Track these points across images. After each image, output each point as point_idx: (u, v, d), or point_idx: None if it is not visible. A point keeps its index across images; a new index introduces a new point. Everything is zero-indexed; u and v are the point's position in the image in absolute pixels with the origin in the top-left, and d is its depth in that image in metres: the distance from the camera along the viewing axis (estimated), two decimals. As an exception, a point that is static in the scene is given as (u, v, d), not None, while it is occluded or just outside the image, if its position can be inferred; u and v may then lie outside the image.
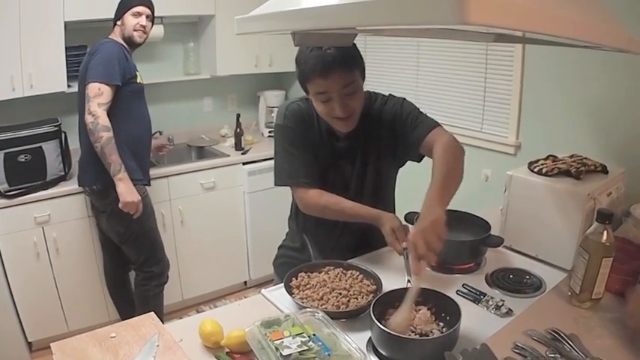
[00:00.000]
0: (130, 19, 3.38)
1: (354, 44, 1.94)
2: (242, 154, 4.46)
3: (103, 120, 3.10)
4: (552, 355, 1.46)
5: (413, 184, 2.33)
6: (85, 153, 3.35)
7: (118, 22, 3.41)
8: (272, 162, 2.33)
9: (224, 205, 4.38)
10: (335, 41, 1.80)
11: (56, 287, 3.75)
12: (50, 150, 3.62)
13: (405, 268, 1.87)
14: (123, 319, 1.84)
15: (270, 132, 5.00)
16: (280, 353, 1.36)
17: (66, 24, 3.70)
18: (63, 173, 3.73)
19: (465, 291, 1.91)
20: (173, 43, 4.66)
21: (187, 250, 4.25)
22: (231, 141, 4.71)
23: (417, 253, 1.48)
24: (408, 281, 1.81)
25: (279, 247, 2.51)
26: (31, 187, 3.53)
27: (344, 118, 2.01)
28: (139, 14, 3.40)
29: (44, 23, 3.60)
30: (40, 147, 3.57)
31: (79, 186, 3.52)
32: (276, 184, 2.23)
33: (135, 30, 3.39)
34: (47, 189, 3.60)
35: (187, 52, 4.77)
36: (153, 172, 3.82)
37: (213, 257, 4.45)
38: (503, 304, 1.79)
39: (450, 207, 1.81)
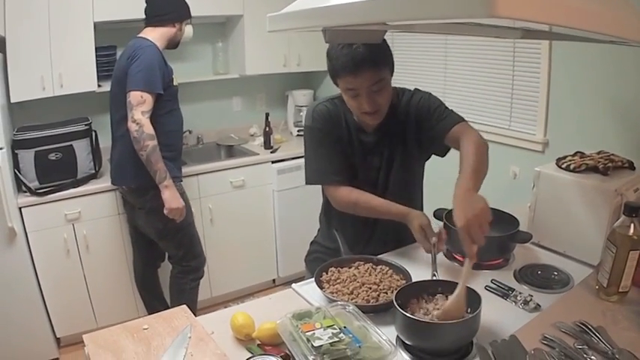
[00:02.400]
0: (187, 29, 3.60)
1: (385, 40, 1.97)
2: (271, 152, 4.49)
3: (148, 128, 3.14)
4: (580, 347, 1.46)
5: (439, 181, 2.35)
6: (122, 153, 3.37)
7: (172, 25, 3.46)
8: (301, 160, 2.38)
9: (253, 204, 4.41)
10: (365, 38, 1.82)
11: (86, 283, 3.81)
12: (81, 148, 3.69)
13: (432, 264, 1.90)
14: None
15: (298, 131, 5.03)
16: (312, 344, 1.37)
17: (95, 24, 3.76)
18: (93, 171, 3.79)
19: (494, 286, 1.91)
20: (202, 44, 4.69)
21: (216, 247, 4.29)
22: (260, 140, 4.75)
23: (472, 237, 1.52)
24: (434, 275, 1.85)
25: (311, 243, 2.54)
26: (62, 185, 3.60)
27: (372, 113, 2.06)
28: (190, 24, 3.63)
29: (74, 23, 3.67)
30: (71, 145, 3.64)
31: (113, 184, 3.57)
32: (308, 182, 2.28)
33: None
34: (78, 187, 3.66)
35: (216, 52, 4.80)
36: (183, 170, 3.84)
37: (241, 255, 4.49)
38: (531, 299, 1.80)
39: None
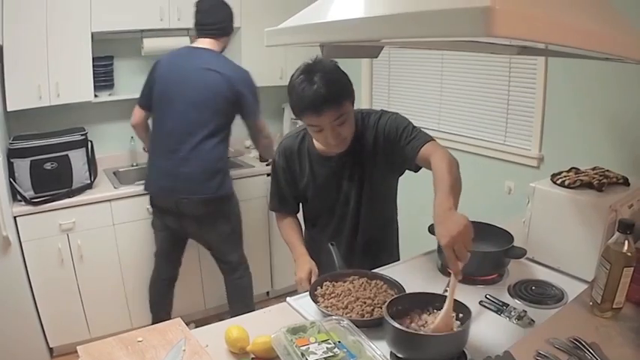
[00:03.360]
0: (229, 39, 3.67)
1: (344, 73, 2.11)
2: (267, 165, 4.47)
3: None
4: None
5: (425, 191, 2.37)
6: (206, 166, 3.44)
7: (226, 37, 3.59)
8: None
9: (248, 216, 4.31)
10: (362, 53, 1.85)
11: (79, 293, 3.79)
12: (77, 158, 3.68)
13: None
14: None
15: (295, 143, 4.98)
16: (306, 359, 1.38)
17: (93, 34, 3.76)
18: (89, 182, 3.78)
19: (488, 302, 1.92)
20: None
21: (210, 259, 4.18)
22: (256, 152, 4.72)
23: (456, 255, 1.53)
24: (446, 290, 1.85)
25: None
26: (57, 195, 3.58)
27: (336, 144, 2.18)
28: None
29: (71, 33, 3.67)
30: (67, 155, 3.63)
31: (180, 197, 3.48)
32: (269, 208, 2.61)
33: None
34: (73, 197, 3.65)
35: None
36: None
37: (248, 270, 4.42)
38: (525, 315, 1.82)
39: (472, 219, 1.85)
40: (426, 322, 1.64)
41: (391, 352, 1.59)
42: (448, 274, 2.14)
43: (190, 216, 3.55)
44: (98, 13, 3.74)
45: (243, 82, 3.47)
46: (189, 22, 3.71)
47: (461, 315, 1.61)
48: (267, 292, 4.82)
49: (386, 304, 1.63)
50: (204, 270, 4.26)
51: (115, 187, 3.88)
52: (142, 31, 4.14)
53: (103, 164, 4.09)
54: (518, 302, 1.95)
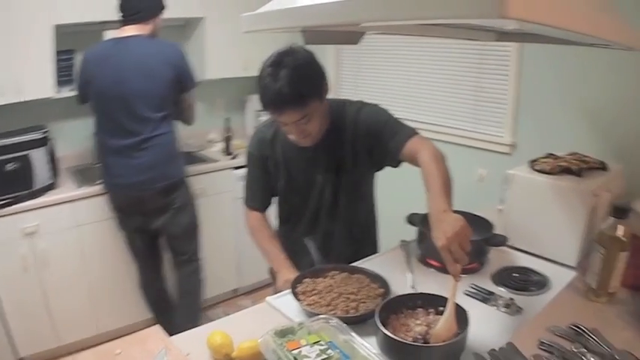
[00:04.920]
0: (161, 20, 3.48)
1: (319, 66, 2.04)
2: (232, 158, 4.42)
3: None
4: (577, 350, 1.48)
5: (412, 184, 2.33)
6: (158, 154, 3.33)
7: (153, 20, 3.38)
8: None
9: (214, 211, 4.31)
10: (342, 39, 1.82)
11: (46, 300, 3.67)
12: (38, 158, 3.55)
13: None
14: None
15: (258, 136, 4.92)
16: None
17: (56, 27, 3.62)
18: (52, 181, 3.66)
19: (474, 291, 1.92)
20: None
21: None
22: (219, 146, 4.69)
23: (453, 257, 1.51)
24: (412, 287, 1.88)
25: None
26: (19, 197, 3.45)
27: (300, 140, 2.12)
28: None
29: (32, 26, 3.51)
30: (27, 155, 3.50)
31: (142, 190, 3.39)
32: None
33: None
34: (35, 198, 3.52)
35: None
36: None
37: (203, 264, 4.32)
38: (513, 303, 1.82)
39: None
40: (409, 325, 1.62)
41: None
42: (427, 264, 2.14)
43: (154, 209, 3.49)
44: (60, 4, 3.59)
45: (178, 56, 3.41)
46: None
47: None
48: (235, 290, 4.73)
49: (377, 310, 1.60)
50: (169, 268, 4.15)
51: (78, 187, 3.74)
52: (104, 22, 3.89)
53: (64, 163, 3.96)
54: (503, 290, 1.95)
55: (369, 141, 2.15)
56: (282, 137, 2.25)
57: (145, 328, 1.76)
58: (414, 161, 1.97)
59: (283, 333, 1.49)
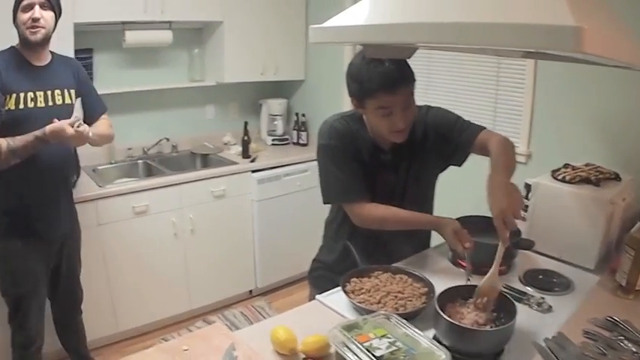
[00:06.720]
0: (20, 17, 2.69)
1: None
2: (250, 161, 4.43)
3: None
4: (615, 338, 1.67)
5: (449, 192, 2.48)
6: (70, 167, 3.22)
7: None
8: (281, 170, 2.32)
9: (233, 213, 4.36)
10: (397, 53, 1.88)
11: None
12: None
13: (467, 267, 2.03)
14: None
15: (273, 140, 5.03)
16: (373, 355, 1.42)
17: (74, 26, 3.57)
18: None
19: (507, 291, 2.01)
20: (178, 49, 4.59)
21: (196, 258, 4.24)
22: (235, 149, 4.72)
23: (507, 224, 1.70)
24: (468, 279, 1.97)
25: (313, 261, 2.56)
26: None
27: (401, 130, 2.08)
28: (30, 7, 2.69)
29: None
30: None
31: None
32: (326, 202, 2.32)
33: (27, 27, 2.70)
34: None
35: (192, 59, 4.73)
36: (163, 179, 3.93)
37: (220, 266, 4.40)
38: (544, 301, 1.95)
39: (463, 214, 2.16)
40: (462, 313, 1.74)
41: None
42: (459, 266, 2.26)
43: (61, 235, 3.11)
44: (80, 3, 3.56)
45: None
46: (173, 14, 3.69)
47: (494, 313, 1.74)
48: (250, 291, 4.72)
49: (435, 299, 1.72)
50: (189, 269, 4.26)
51: (99, 186, 3.77)
52: (124, 23, 4.00)
53: (81, 162, 4.03)
54: (531, 290, 2.07)
55: (439, 139, 2.24)
56: (363, 133, 2.22)
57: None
58: (484, 150, 2.11)
59: (349, 327, 1.56)
